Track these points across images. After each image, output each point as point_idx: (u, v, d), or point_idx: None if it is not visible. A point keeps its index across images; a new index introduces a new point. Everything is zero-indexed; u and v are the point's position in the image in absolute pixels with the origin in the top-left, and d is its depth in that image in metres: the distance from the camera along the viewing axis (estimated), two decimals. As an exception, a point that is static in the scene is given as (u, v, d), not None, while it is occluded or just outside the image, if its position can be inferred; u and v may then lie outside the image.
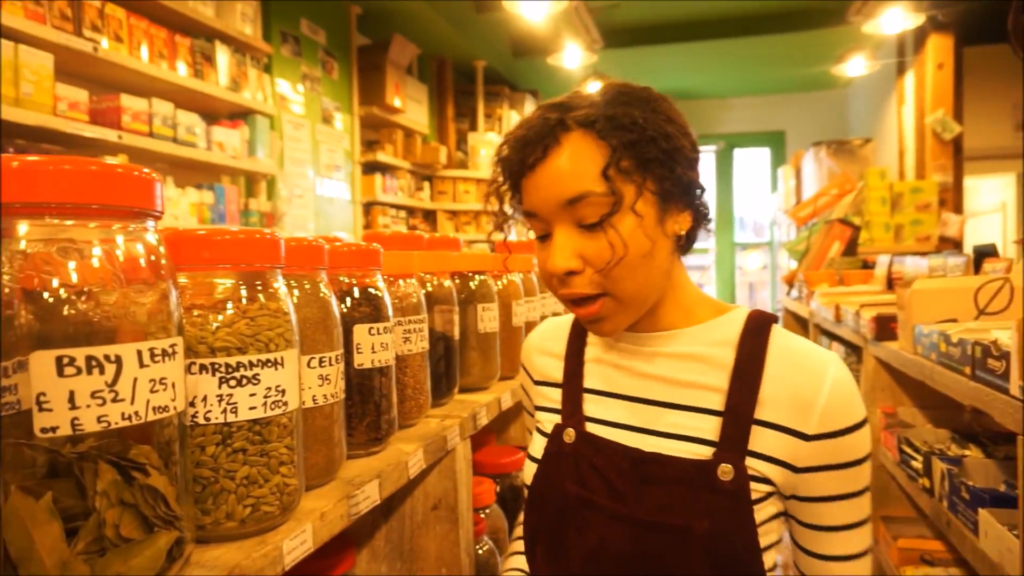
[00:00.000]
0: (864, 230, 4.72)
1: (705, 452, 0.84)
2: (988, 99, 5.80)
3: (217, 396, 0.64)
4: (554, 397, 1.00)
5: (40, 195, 0.49)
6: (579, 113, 0.82)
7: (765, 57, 6.88)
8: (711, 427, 0.84)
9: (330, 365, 0.82)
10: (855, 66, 5.95)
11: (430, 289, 1.25)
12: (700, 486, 0.82)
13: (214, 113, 3.65)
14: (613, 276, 0.82)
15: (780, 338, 0.87)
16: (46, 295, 0.50)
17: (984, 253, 2.25)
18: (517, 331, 1.62)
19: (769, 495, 0.83)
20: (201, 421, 0.64)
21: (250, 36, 3.75)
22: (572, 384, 0.97)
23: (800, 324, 4.22)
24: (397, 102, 5.18)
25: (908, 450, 1.93)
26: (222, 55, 3.57)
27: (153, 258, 0.55)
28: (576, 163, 0.81)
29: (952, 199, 5.40)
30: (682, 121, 0.87)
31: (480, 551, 1.39)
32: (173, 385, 0.54)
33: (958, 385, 1.37)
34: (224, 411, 0.64)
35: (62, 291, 0.50)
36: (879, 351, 2.21)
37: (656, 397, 0.90)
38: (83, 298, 0.51)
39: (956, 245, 4.86)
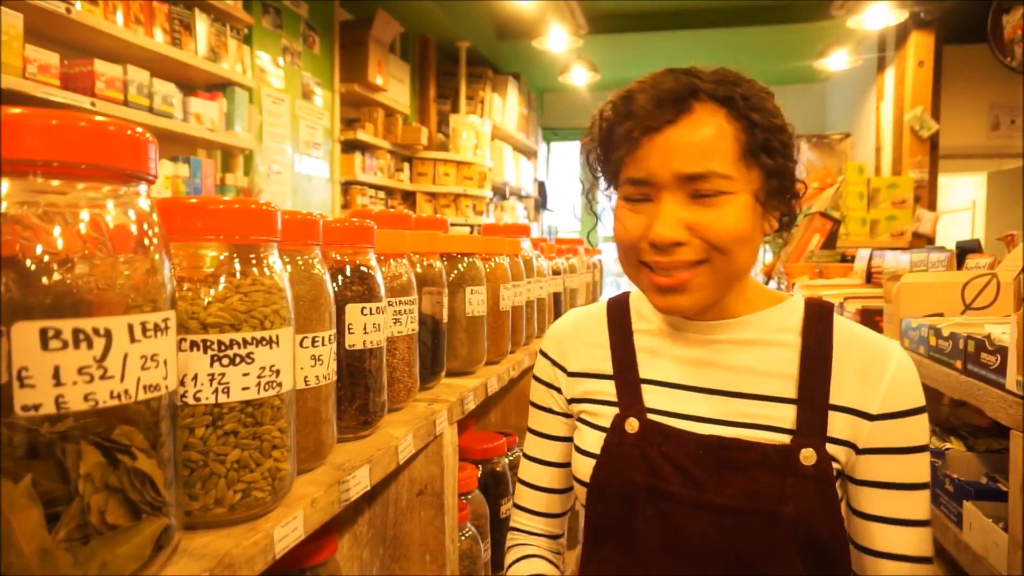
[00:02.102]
0: (841, 224, 4.76)
1: (783, 440, 0.83)
2: (965, 98, 5.89)
3: (208, 375, 0.60)
4: (605, 389, 0.95)
5: (24, 151, 0.44)
6: (712, 86, 0.80)
7: (749, 48, 6.90)
8: (787, 415, 0.84)
9: (323, 345, 0.79)
10: (836, 61, 5.98)
11: (419, 270, 1.22)
12: (784, 470, 0.81)
13: (191, 83, 3.55)
14: (722, 248, 0.80)
15: (843, 324, 0.88)
16: (28, 262, 0.46)
17: (967, 249, 2.27)
18: (504, 315, 1.59)
19: (838, 476, 0.84)
20: (191, 401, 0.60)
21: (230, 5, 3.64)
22: (627, 375, 0.94)
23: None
24: (379, 80, 5.09)
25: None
26: (201, 23, 3.46)
27: (145, 226, 0.51)
28: (707, 137, 0.78)
29: (927, 196, 5.47)
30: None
31: (463, 537, 1.37)
32: (165, 362, 0.51)
33: (947, 379, 1.38)
34: (216, 391, 0.60)
35: (45, 258, 0.46)
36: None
37: (725, 387, 0.88)
38: (68, 266, 0.47)
39: (929, 241, 4.93)
